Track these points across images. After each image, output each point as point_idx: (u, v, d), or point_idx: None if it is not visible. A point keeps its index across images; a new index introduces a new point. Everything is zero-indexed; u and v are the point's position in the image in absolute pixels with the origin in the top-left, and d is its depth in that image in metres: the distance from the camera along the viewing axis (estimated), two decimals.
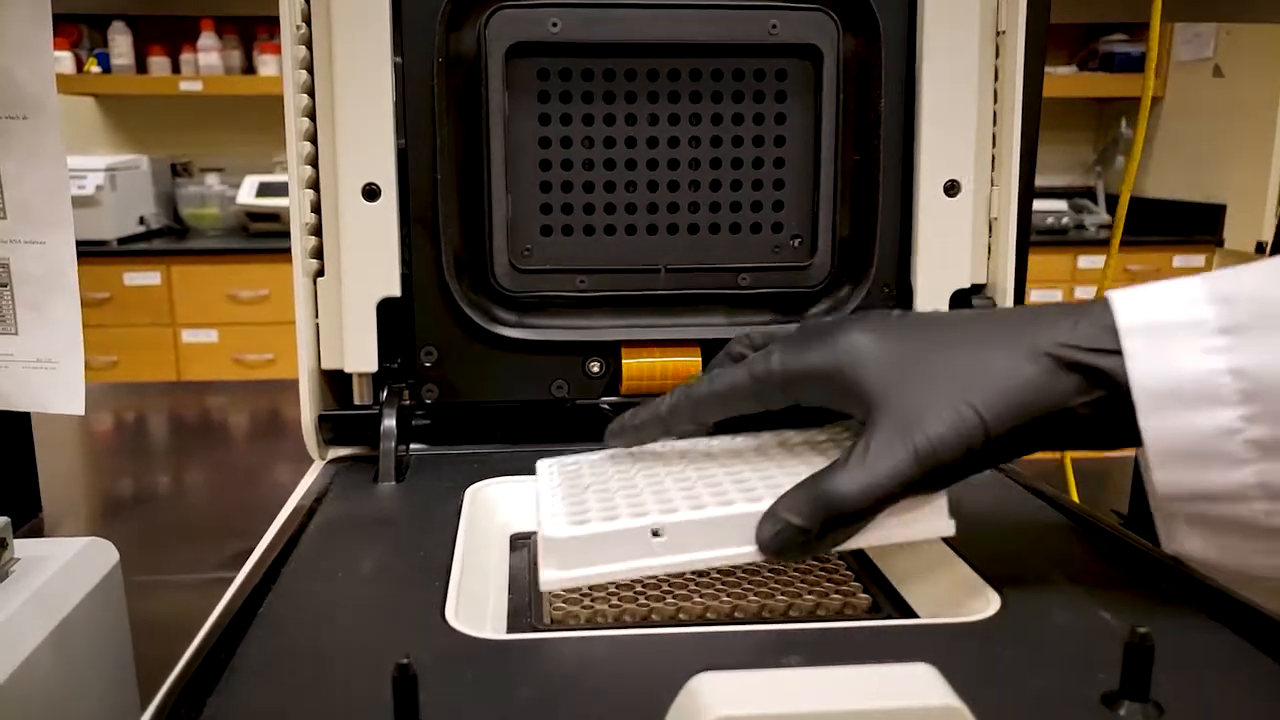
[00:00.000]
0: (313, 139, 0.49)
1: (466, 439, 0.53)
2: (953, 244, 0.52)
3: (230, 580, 0.37)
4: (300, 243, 0.49)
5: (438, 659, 0.30)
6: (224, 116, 2.78)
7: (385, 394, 0.51)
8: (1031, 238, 0.64)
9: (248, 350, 2.44)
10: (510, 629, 0.36)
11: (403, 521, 0.43)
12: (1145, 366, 0.31)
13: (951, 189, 0.51)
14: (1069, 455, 0.70)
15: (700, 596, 0.37)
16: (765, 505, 0.33)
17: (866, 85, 0.52)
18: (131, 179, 2.45)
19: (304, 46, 0.49)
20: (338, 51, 0.48)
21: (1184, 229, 2.65)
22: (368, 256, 0.49)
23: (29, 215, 0.52)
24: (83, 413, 0.54)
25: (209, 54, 2.60)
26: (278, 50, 0.52)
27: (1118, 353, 0.32)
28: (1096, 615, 0.33)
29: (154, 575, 0.61)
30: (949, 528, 0.35)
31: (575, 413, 0.54)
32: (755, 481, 0.36)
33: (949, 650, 0.31)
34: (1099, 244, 2.65)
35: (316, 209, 0.50)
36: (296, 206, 0.49)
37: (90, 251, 2.31)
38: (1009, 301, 0.53)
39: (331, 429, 0.51)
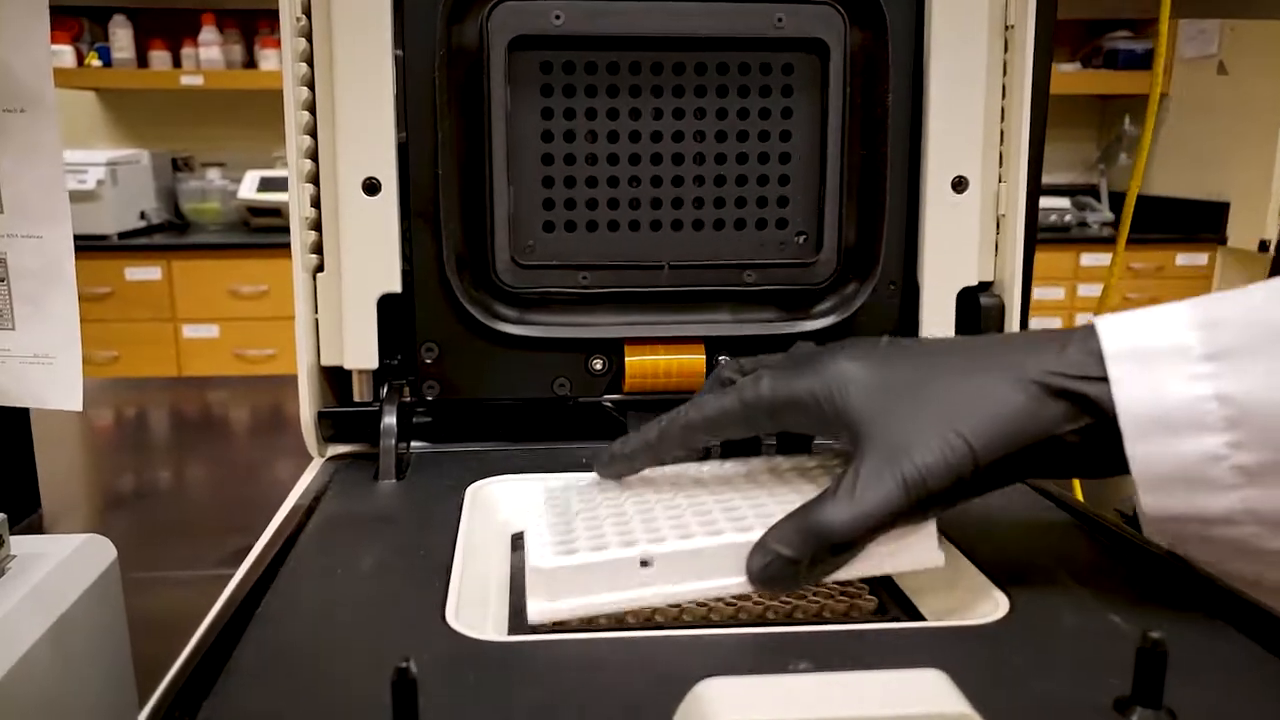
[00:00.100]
0: (313, 133, 0.49)
1: (467, 437, 0.52)
2: (960, 241, 0.51)
3: (230, 577, 0.37)
4: (300, 237, 0.49)
5: (437, 661, 0.29)
6: (225, 111, 2.77)
7: (385, 391, 0.50)
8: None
9: (249, 345, 2.44)
10: (511, 630, 0.35)
11: (403, 520, 0.42)
12: (1131, 392, 0.32)
13: (959, 185, 0.51)
14: None
15: None
16: (755, 535, 0.33)
17: (873, 80, 0.51)
18: (132, 173, 2.44)
19: (304, 39, 0.48)
20: (338, 44, 0.47)
21: (1187, 227, 2.64)
22: (368, 252, 0.49)
23: (26, 209, 0.52)
24: (80, 408, 0.53)
25: (210, 48, 2.59)
26: (279, 44, 0.51)
27: (1104, 379, 0.32)
28: (1106, 618, 0.33)
29: (154, 572, 0.60)
30: (938, 559, 0.35)
31: (577, 411, 0.54)
32: (745, 510, 0.36)
33: (958, 654, 0.31)
34: (1102, 241, 2.65)
35: (316, 204, 0.50)
36: (296, 201, 0.49)
37: (91, 246, 2.31)
38: (1016, 299, 0.53)
39: (331, 426, 0.51)
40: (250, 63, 2.67)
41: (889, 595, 0.38)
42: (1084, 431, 0.33)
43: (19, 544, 0.37)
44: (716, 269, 0.52)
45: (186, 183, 2.65)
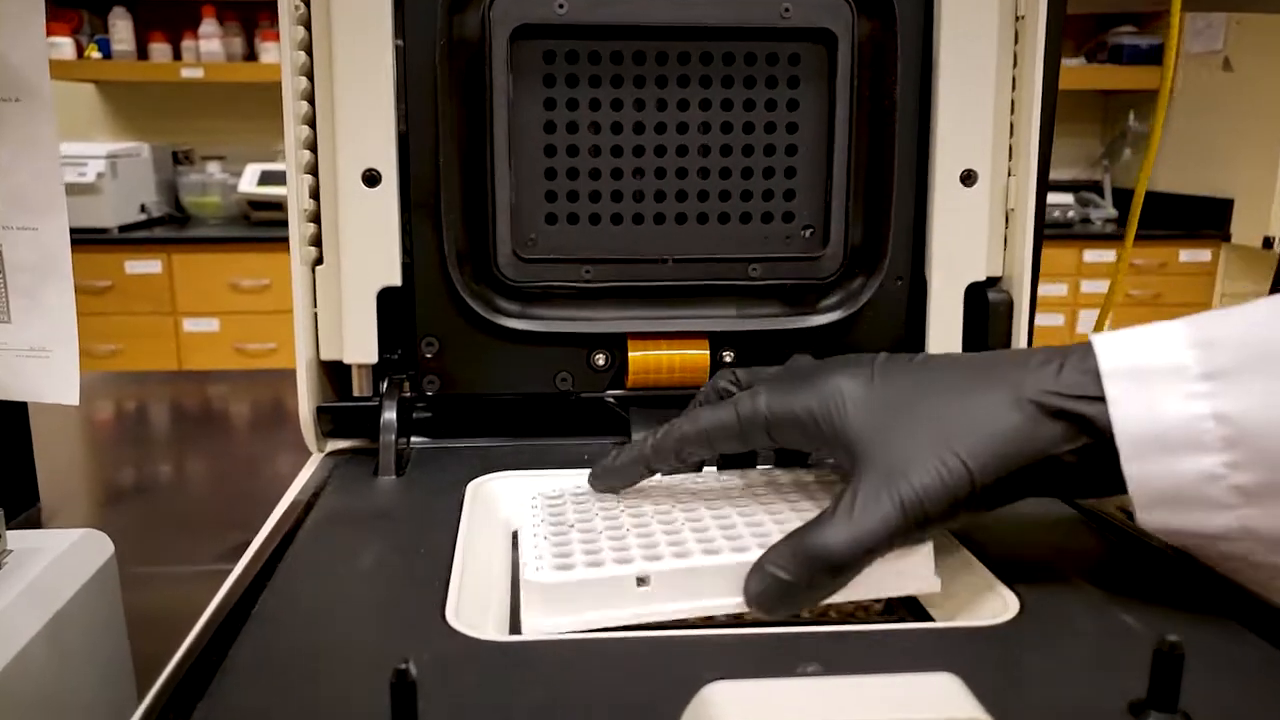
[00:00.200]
0: (311, 123, 0.48)
1: (468, 432, 0.52)
2: (969, 235, 0.51)
3: (231, 572, 0.36)
4: (298, 230, 0.48)
5: (437, 661, 0.29)
6: (226, 104, 2.77)
7: (385, 385, 0.50)
8: None
9: (249, 339, 2.44)
10: (513, 630, 0.35)
11: (402, 517, 0.42)
12: (1128, 412, 0.32)
13: (968, 178, 0.50)
14: None
15: None
16: (751, 556, 0.33)
17: (882, 71, 0.50)
18: (132, 166, 2.44)
19: (303, 28, 0.47)
20: (337, 33, 0.47)
21: (1191, 223, 2.63)
22: (368, 244, 0.48)
23: (21, 201, 0.51)
24: (76, 403, 0.53)
25: (210, 40, 2.59)
26: (280, 37, 0.51)
27: (1101, 399, 0.32)
28: (1118, 618, 0.32)
29: (153, 567, 0.60)
30: (934, 585, 0.35)
31: (579, 406, 0.53)
32: (742, 528, 0.36)
33: (968, 655, 0.30)
34: (1105, 238, 2.64)
35: (315, 195, 0.49)
36: (295, 193, 0.48)
37: (91, 239, 2.31)
38: (1025, 294, 0.52)
39: (330, 421, 0.50)
40: (251, 55, 2.66)
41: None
42: (1081, 451, 0.33)
43: (15, 539, 0.37)
44: (721, 263, 0.51)
45: (187, 176, 2.64)
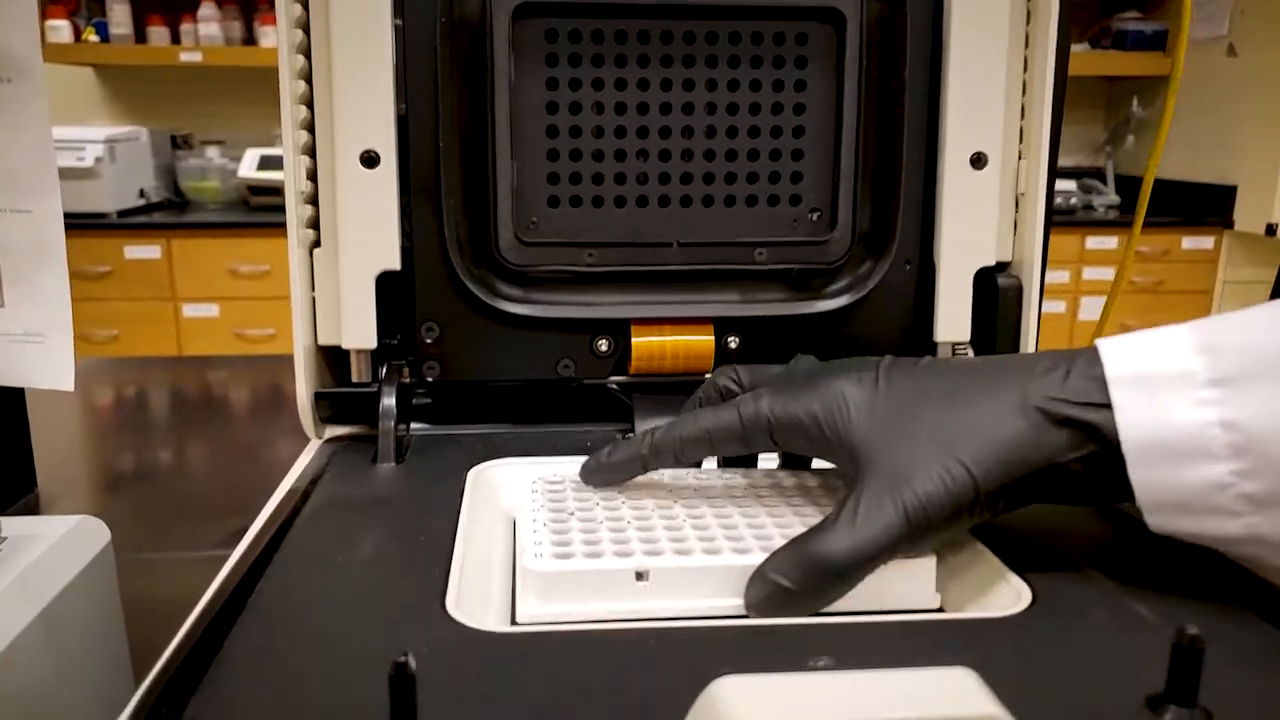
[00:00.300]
0: (309, 103, 0.47)
1: (469, 419, 0.51)
2: (978, 219, 0.50)
3: (229, 559, 0.36)
4: (295, 212, 0.48)
5: (437, 652, 0.28)
6: (224, 88, 2.75)
7: (385, 371, 0.49)
8: None
9: (249, 325, 2.43)
10: (514, 620, 0.34)
11: (402, 504, 0.41)
12: (1134, 419, 0.31)
13: (978, 161, 0.49)
14: None
15: None
16: (752, 559, 0.33)
17: (891, 51, 0.49)
18: (131, 151, 2.43)
19: (300, 4, 0.46)
20: (335, 11, 0.46)
21: (1194, 210, 2.62)
22: (366, 227, 0.47)
23: (15, 182, 0.50)
24: (72, 389, 0.52)
25: (209, 24, 2.57)
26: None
27: (1108, 406, 0.32)
28: (1132, 609, 0.32)
29: (153, 553, 0.59)
30: (934, 601, 0.34)
31: (582, 393, 0.52)
32: (744, 529, 0.36)
33: (982, 648, 0.29)
34: (1108, 225, 2.63)
35: (313, 177, 0.48)
36: (292, 174, 0.47)
37: (90, 224, 2.30)
38: (1035, 280, 0.51)
39: (329, 407, 0.50)
40: (250, 39, 2.64)
41: None
42: (1087, 459, 0.32)
43: (9, 525, 0.37)
44: (727, 247, 0.50)
45: (186, 161, 2.63)
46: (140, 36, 2.61)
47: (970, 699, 0.22)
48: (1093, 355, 0.33)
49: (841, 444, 0.35)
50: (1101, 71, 2.82)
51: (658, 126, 0.48)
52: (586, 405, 0.52)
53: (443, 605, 0.31)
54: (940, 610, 0.35)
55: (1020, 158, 0.51)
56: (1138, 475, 0.31)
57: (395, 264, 0.48)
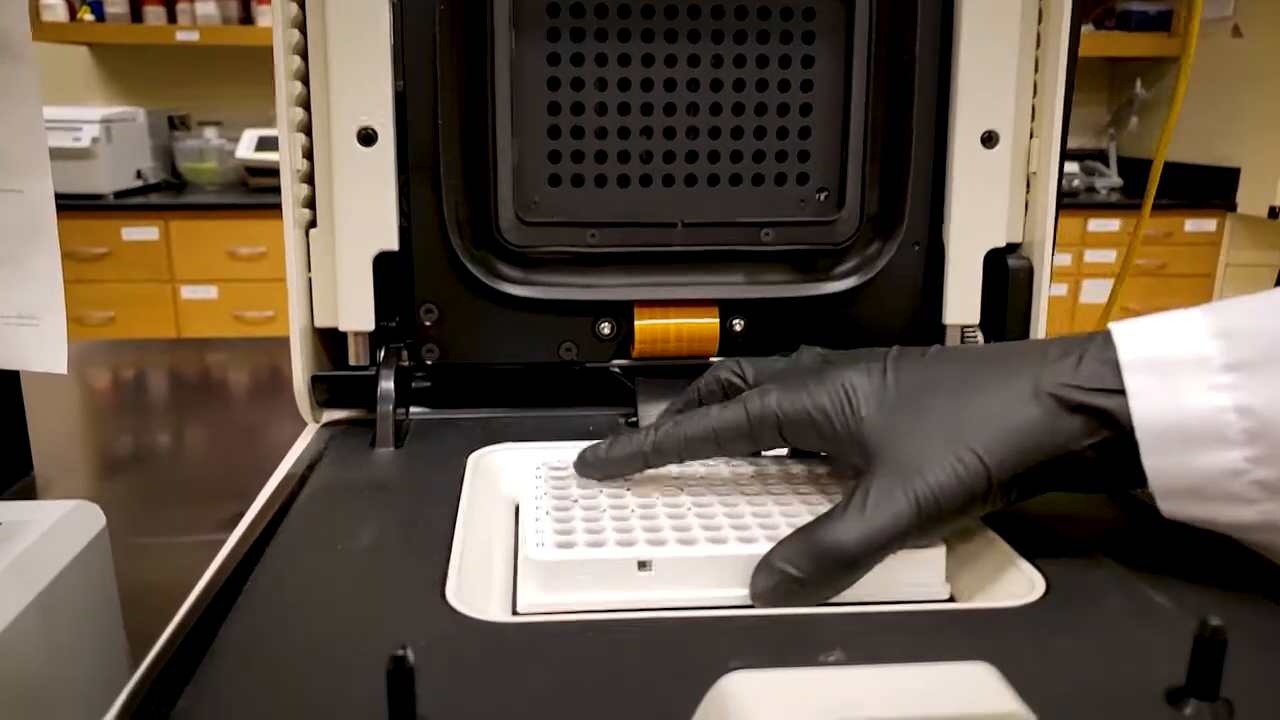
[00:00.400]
0: (304, 79, 0.46)
1: (469, 402, 0.50)
2: (989, 199, 0.49)
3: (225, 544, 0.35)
4: (291, 191, 0.47)
5: (436, 643, 0.28)
6: (222, 68, 2.73)
7: (383, 354, 0.48)
8: None
9: (248, 307, 2.42)
10: (515, 609, 0.33)
11: (401, 490, 0.40)
12: (1148, 404, 0.31)
13: (989, 140, 0.48)
14: None
15: None
16: (758, 549, 0.33)
17: (901, 26, 0.48)
18: (128, 131, 2.41)
19: None
20: None
21: (1196, 193, 2.61)
22: (363, 206, 0.46)
23: (5, 162, 0.49)
24: (65, 371, 0.51)
25: (206, 3, 2.55)
26: None
27: (1121, 392, 0.31)
28: (1148, 597, 0.31)
29: (151, 537, 0.59)
30: (944, 589, 0.34)
31: (584, 376, 0.52)
32: (750, 519, 0.35)
33: (996, 638, 0.29)
34: (1110, 207, 2.61)
35: (309, 155, 0.47)
36: (287, 152, 0.46)
37: (86, 205, 2.28)
38: (1046, 261, 0.50)
39: (325, 391, 0.49)
40: (247, 18, 2.62)
41: None
42: (1101, 446, 0.32)
43: (3, 511, 0.36)
44: (732, 227, 0.49)
45: (183, 141, 2.62)
46: (136, 15, 2.59)
47: (990, 695, 0.21)
48: (1106, 339, 0.32)
49: (851, 437, 0.34)
50: (1105, 52, 2.79)
51: (662, 103, 0.47)
52: (588, 389, 0.51)
53: (442, 594, 0.31)
54: (951, 599, 0.34)
55: (1032, 136, 0.50)
56: (1151, 461, 0.31)
57: (393, 244, 0.47)
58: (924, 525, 0.32)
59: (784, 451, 0.42)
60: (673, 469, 0.40)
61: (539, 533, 0.34)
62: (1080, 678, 0.27)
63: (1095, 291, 2.61)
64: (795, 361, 0.40)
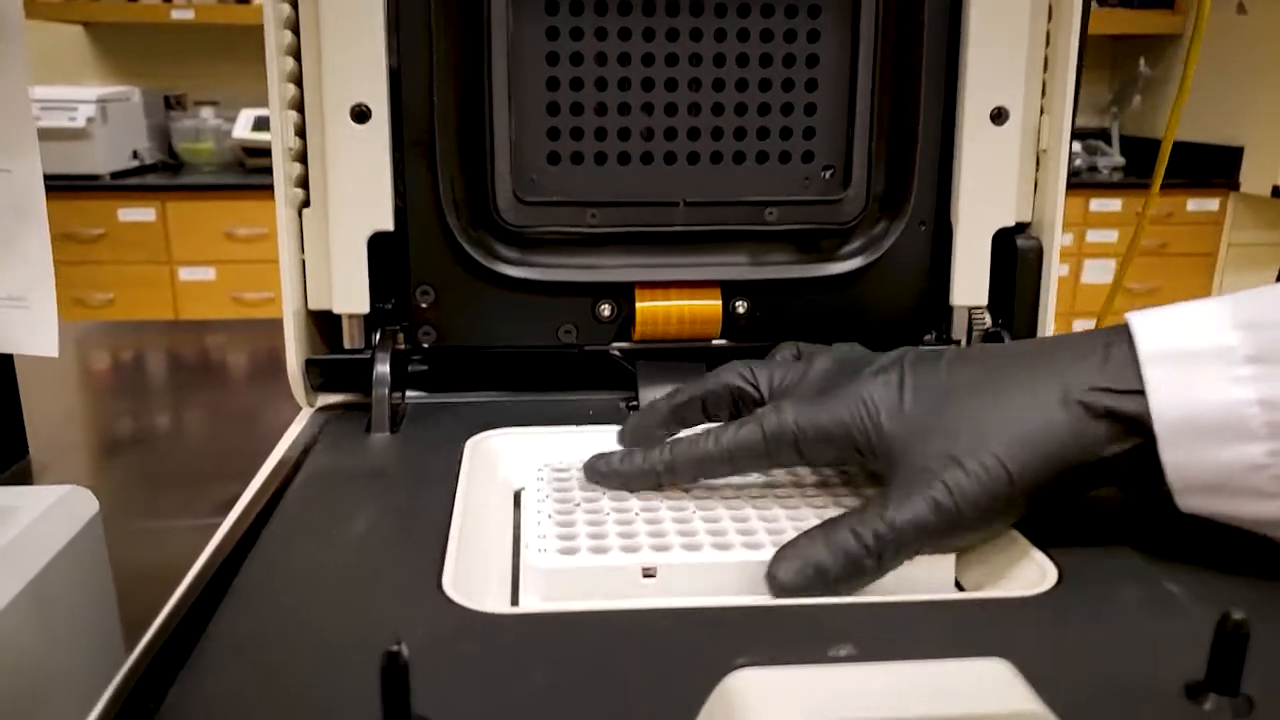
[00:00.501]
0: (296, 54, 0.45)
1: (466, 386, 0.50)
2: (998, 177, 0.48)
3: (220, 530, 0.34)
4: (283, 170, 0.46)
5: (432, 635, 0.27)
6: (218, 47, 2.71)
7: (378, 337, 0.48)
8: None
9: (246, 289, 2.41)
10: (515, 600, 0.33)
11: (397, 476, 0.40)
12: (1167, 397, 0.30)
13: (998, 117, 0.47)
14: None
15: None
16: (765, 555, 0.32)
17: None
18: (123, 111, 2.39)
19: None
20: None
21: (1199, 172, 2.59)
22: (357, 185, 0.45)
23: None
24: (56, 354, 0.50)
25: None
26: None
27: (1144, 392, 0.31)
28: (1163, 587, 0.30)
29: (148, 521, 0.58)
30: (952, 588, 0.33)
31: (583, 360, 0.51)
32: (756, 523, 0.34)
33: (1009, 630, 0.28)
34: (1112, 187, 2.59)
35: (301, 133, 0.46)
36: (279, 130, 0.45)
37: (82, 186, 2.27)
38: (1056, 242, 0.49)
39: (320, 374, 0.48)
40: None
41: None
42: (1131, 454, 0.31)
43: None
44: (736, 206, 0.48)
45: (180, 121, 2.59)
46: None
47: (1007, 693, 0.20)
48: (1126, 335, 0.32)
49: (872, 449, 0.34)
50: (1107, 30, 2.76)
51: (664, 79, 0.46)
52: (588, 372, 0.50)
53: (439, 585, 0.30)
54: (962, 588, 0.33)
55: (1042, 113, 0.49)
56: (1169, 455, 0.30)
57: (388, 224, 0.46)
58: (943, 530, 0.31)
59: None
60: None
61: (541, 537, 0.33)
62: (1095, 671, 0.26)
63: (1097, 272, 2.59)
64: (806, 370, 0.38)
